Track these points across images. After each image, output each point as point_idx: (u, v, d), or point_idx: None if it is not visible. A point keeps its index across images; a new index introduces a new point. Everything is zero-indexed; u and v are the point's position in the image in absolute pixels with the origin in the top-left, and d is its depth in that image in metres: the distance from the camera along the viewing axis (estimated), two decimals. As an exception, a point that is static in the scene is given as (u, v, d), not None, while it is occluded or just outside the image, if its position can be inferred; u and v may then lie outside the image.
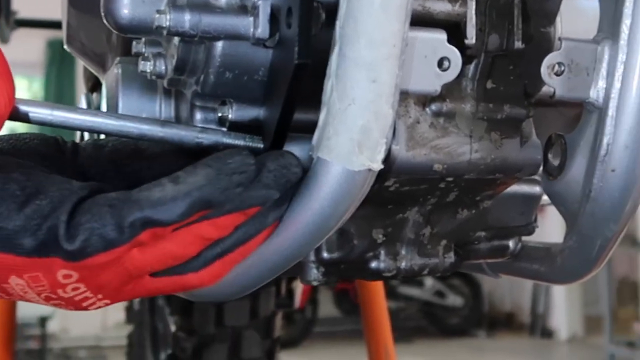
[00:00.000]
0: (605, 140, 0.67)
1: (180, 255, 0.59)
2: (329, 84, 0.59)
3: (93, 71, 0.92)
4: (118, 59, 0.76)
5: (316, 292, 7.25)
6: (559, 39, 0.66)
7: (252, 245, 0.60)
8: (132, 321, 2.16)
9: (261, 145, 0.65)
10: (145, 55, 0.69)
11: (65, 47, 0.88)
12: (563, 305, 7.55)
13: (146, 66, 0.68)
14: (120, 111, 0.73)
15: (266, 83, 0.64)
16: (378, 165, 0.60)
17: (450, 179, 0.71)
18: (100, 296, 0.60)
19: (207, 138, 0.64)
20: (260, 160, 0.60)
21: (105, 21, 0.64)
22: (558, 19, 0.70)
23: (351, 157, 0.59)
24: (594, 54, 0.66)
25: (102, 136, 0.69)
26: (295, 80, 0.60)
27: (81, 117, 0.62)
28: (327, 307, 7.55)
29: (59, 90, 7.67)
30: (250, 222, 0.59)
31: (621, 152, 0.66)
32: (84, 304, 0.60)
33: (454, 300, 7.68)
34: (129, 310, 2.22)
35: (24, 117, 0.61)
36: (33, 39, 6.53)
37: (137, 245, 0.57)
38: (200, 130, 0.65)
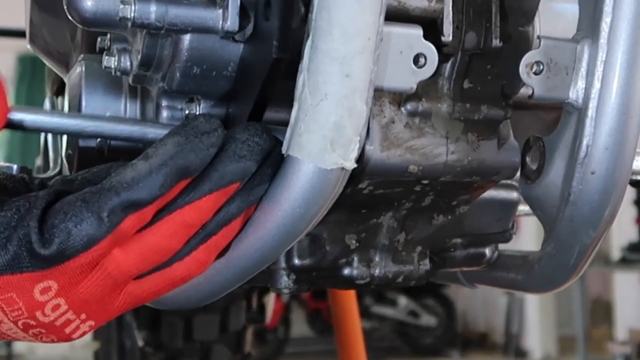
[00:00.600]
0: (584, 142, 0.65)
1: (165, 248, 0.55)
2: (301, 79, 0.56)
3: (57, 72, 0.89)
4: (82, 56, 0.73)
5: (289, 312, 7.20)
6: (538, 37, 0.64)
7: (235, 226, 0.57)
8: (99, 338, 2.12)
9: None
10: (110, 50, 0.67)
11: (28, 46, 0.85)
12: (537, 325, 7.54)
13: (110, 62, 0.66)
14: (84, 110, 0.70)
15: (236, 79, 0.62)
16: (351, 164, 0.57)
17: (425, 181, 0.69)
18: (83, 316, 0.55)
19: None
20: (229, 134, 0.56)
21: (68, 14, 0.61)
22: (536, 18, 0.68)
23: (323, 155, 0.56)
24: (573, 53, 0.65)
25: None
26: (271, 76, 0.58)
27: (71, 121, 0.59)
28: (299, 326, 7.49)
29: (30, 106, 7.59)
30: (231, 200, 0.56)
31: (601, 154, 0.64)
32: (67, 330, 0.55)
33: (427, 320, 7.65)
34: (96, 326, 2.17)
35: (18, 125, 0.58)
36: (3, 53, 6.46)
37: (120, 239, 0.53)
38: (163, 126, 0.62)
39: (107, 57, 0.66)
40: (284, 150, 0.58)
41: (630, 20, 0.62)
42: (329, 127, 0.56)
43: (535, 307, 7.40)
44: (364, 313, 7.36)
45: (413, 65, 0.60)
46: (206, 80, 0.62)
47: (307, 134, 0.56)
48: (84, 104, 0.70)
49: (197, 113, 0.64)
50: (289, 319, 7.36)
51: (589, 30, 0.64)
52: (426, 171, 0.67)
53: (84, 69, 0.71)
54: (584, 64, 0.64)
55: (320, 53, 0.55)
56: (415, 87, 0.61)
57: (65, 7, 0.61)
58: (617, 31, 0.63)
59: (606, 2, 0.63)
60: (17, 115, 0.58)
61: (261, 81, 0.57)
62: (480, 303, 8.09)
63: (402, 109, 0.66)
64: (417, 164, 0.66)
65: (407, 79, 0.61)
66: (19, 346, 7.08)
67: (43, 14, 0.84)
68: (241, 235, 0.60)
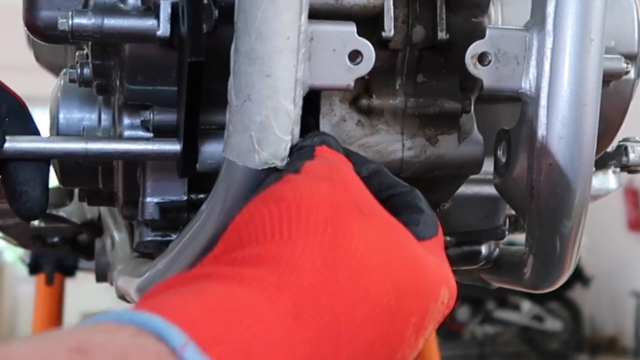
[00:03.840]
0: (539, 133, 0.63)
1: None
2: (229, 82, 0.57)
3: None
4: (64, 70, 0.76)
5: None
6: (484, 27, 0.62)
7: None
8: None
9: (178, 147, 0.64)
10: (75, 62, 0.69)
11: (37, 63, 0.90)
12: (669, 328, 7.21)
13: (73, 74, 0.69)
14: (60, 122, 0.73)
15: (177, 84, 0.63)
16: (283, 164, 0.57)
17: (387, 179, 0.68)
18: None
19: (130, 149, 0.64)
20: None
21: (25, 28, 0.65)
22: (492, 8, 0.66)
23: (252, 155, 0.57)
24: (523, 41, 0.63)
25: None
26: (192, 79, 0.59)
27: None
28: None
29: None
30: None
31: (556, 144, 0.62)
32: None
33: (552, 324, 7.44)
34: None
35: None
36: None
37: None
38: (124, 140, 0.64)
39: (70, 70, 0.69)
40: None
41: (574, 3, 0.60)
42: (255, 127, 0.56)
43: (666, 309, 7.07)
44: (487, 318, 7.24)
45: (349, 62, 0.60)
46: (153, 87, 0.64)
47: (235, 135, 0.57)
48: (60, 115, 0.73)
49: (151, 120, 0.66)
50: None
51: (538, 18, 0.62)
52: (383, 168, 0.66)
53: (62, 82, 0.74)
54: (534, 53, 0.62)
55: (241, 55, 0.56)
56: (352, 84, 0.60)
57: (23, 21, 0.64)
58: (563, 16, 0.60)
59: (550, -13, 0.61)
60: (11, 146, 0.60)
61: (185, 85, 0.58)
62: (607, 306, 7.80)
63: (353, 106, 0.66)
64: (372, 162, 0.66)
65: (343, 76, 0.60)
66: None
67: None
68: (190, 235, 0.62)
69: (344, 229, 0.47)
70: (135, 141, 0.63)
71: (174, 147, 0.64)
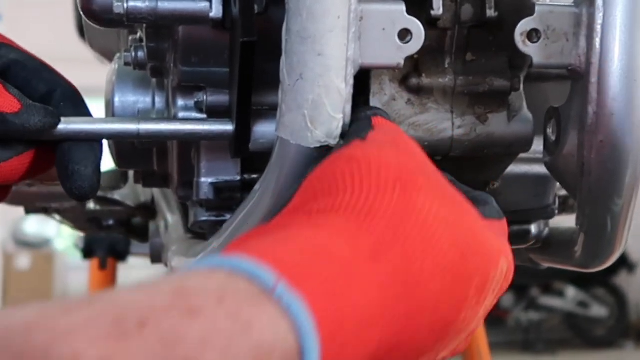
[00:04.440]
0: (590, 109, 0.63)
1: None
2: (281, 61, 0.58)
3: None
4: (118, 54, 0.78)
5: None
6: (533, 4, 0.62)
7: None
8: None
9: (231, 127, 0.65)
10: (129, 46, 0.71)
11: (90, 51, 0.92)
12: None
13: (128, 57, 0.70)
14: (116, 104, 0.74)
15: (229, 66, 0.65)
16: (336, 142, 0.58)
17: (438, 158, 0.69)
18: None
19: (181, 129, 0.65)
20: None
21: (83, 15, 0.66)
22: (545, -16, 0.66)
23: (305, 133, 0.58)
24: (572, 17, 0.63)
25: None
26: (244, 60, 0.60)
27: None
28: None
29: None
30: None
31: (607, 121, 0.62)
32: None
33: (598, 310, 7.37)
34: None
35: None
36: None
37: None
38: (176, 121, 0.66)
39: (125, 54, 0.70)
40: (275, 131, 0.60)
41: (625, -22, 0.60)
42: (307, 106, 0.57)
43: None
44: (532, 304, 7.19)
45: (398, 41, 0.61)
46: (206, 68, 0.65)
47: (289, 114, 0.58)
48: (115, 99, 0.75)
49: (205, 101, 0.67)
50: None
51: (587, -7, 0.62)
52: (432, 147, 0.67)
53: (116, 66, 0.76)
54: (584, 29, 0.62)
55: (292, 34, 0.57)
56: (402, 62, 0.61)
57: (79, 7, 0.66)
58: (613, -9, 0.60)
59: (600, -38, 0.60)
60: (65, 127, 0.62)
61: (238, 65, 0.59)
62: (654, 292, 7.70)
63: (403, 85, 0.66)
64: (422, 140, 0.66)
65: (393, 55, 0.61)
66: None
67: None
68: (244, 215, 0.63)
69: (412, 187, 0.49)
70: (187, 122, 0.65)
71: (226, 127, 0.65)
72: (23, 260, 6.25)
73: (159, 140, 0.72)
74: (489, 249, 0.52)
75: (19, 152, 0.62)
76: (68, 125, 0.62)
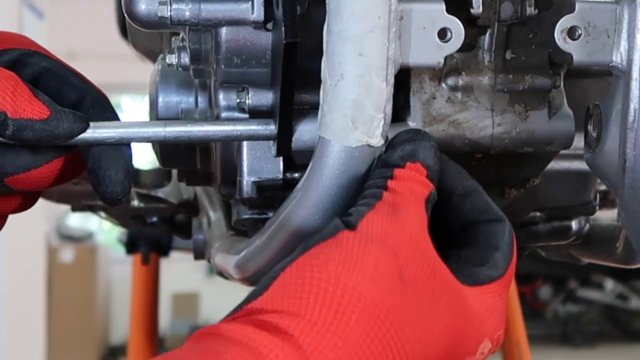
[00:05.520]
0: (632, 106, 0.63)
1: None
2: (322, 62, 0.59)
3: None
4: (161, 55, 0.79)
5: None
6: (574, 1, 0.62)
7: None
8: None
9: (273, 127, 0.66)
10: (172, 48, 0.72)
11: (133, 50, 0.93)
12: None
13: (172, 59, 0.71)
14: (160, 105, 0.76)
15: (271, 66, 0.65)
16: (377, 141, 0.59)
17: (478, 155, 0.69)
18: None
19: (221, 130, 0.66)
20: None
21: (127, 18, 0.68)
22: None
23: (346, 133, 0.59)
24: (613, 14, 0.63)
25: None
26: (287, 60, 0.61)
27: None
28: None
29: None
30: None
31: (649, 117, 0.62)
32: None
33: (637, 303, 7.29)
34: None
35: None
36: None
37: None
38: (217, 122, 0.67)
39: (168, 55, 0.71)
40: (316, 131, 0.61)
41: (666, -25, 0.59)
42: (348, 105, 0.58)
43: None
44: (570, 297, 7.13)
45: (438, 40, 0.61)
46: (248, 69, 0.66)
47: (330, 114, 0.59)
48: (159, 99, 0.76)
49: (247, 101, 0.68)
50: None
51: (628, -10, 0.62)
52: (473, 145, 0.67)
53: (159, 67, 0.77)
54: (625, 26, 0.62)
55: (333, 35, 0.57)
56: (442, 61, 0.61)
57: (124, 11, 0.67)
58: (654, -12, 0.60)
59: (642, -41, 0.60)
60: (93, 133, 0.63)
61: (281, 66, 0.60)
62: (697, 284, 7.59)
63: (443, 84, 0.67)
64: (463, 138, 0.67)
65: (434, 54, 0.61)
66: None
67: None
68: (286, 213, 0.64)
69: (374, 307, 0.50)
70: (214, 123, 0.66)
71: (251, 127, 0.65)
72: (67, 254, 6.34)
73: (186, 142, 0.72)
74: (466, 343, 0.53)
75: (48, 160, 0.63)
76: (96, 129, 0.63)
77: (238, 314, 0.51)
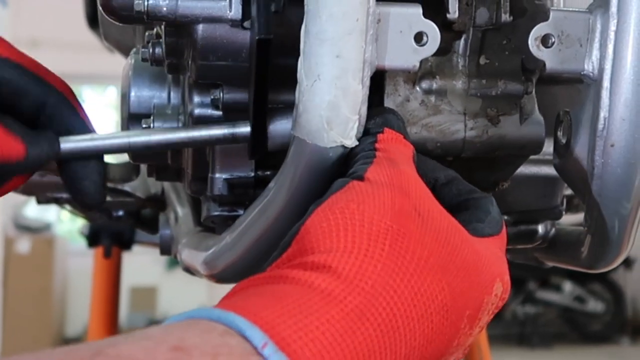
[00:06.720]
0: (602, 114, 0.64)
1: None
2: (299, 62, 0.59)
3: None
4: (134, 49, 0.79)
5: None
6: (548, 9, 0.63)
7: None
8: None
9: (248, 129, 0.66)
10: (146, 42, 0.72)
11: (103, 43, 0.92)
12: None
13: (145, 53, 0.71)
14: (132, 99, 0.75)
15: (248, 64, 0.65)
16: (352, 142, 0.59)
17: (449, 158, 0.70)
18: None
19: (198, 135, 0.66)
20: None
21: (102, 11, 0.67)
22: (559, -9, 0.67)
23: (321, 133, 0.59)
24: (586, 23, 0.64)
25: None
26: (260, 57, 0.61)
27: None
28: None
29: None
30: None
31: (618, 126, 0.63)
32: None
33: (594, 305, 7.40)
34: None
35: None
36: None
37: None
38: (190, 129, 0.67)
39: (142, 49, 0.71)
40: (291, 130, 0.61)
41: (639, -13, 0.60)
42: (324, 106, 0.58)
43: None
44: (529, 298, 7.21)
45: (414, 44, 0.61)
46: (224, 66, 0.66)
47: (305, 114, 0.59)
48: (132, 94, 0.75)
49: (221, 98, 0.68)
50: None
51: (602, 0, 0.63)
52: (445, 148, 0.68)
53: (132, 61, 0.77)
54: (598, 35, 0.63)
55: (311, 36, 0.58)
56: (418, 65, 0.62)
57: (99, 4, 0.67)
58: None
59: (615, -30, 0.61)
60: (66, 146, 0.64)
61: (254, 63, 0.60)
62: (651, 288, 7.72)
63: (417, 87, 0.67)
64: (435, 141, 0.67)
65: (409, 57, 0.62)
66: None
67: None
68: (258, 211, 0.64)
69: (403, 235, 0.51)
70: (179, 130, 0.66)
71: (210, 132, 0.66)
72: (23, 244, 6.26)
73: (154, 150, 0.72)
74: (482, 279, 0.54)
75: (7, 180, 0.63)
76: (67, 144, 0.64)
77: (272, 267, 0.52)
